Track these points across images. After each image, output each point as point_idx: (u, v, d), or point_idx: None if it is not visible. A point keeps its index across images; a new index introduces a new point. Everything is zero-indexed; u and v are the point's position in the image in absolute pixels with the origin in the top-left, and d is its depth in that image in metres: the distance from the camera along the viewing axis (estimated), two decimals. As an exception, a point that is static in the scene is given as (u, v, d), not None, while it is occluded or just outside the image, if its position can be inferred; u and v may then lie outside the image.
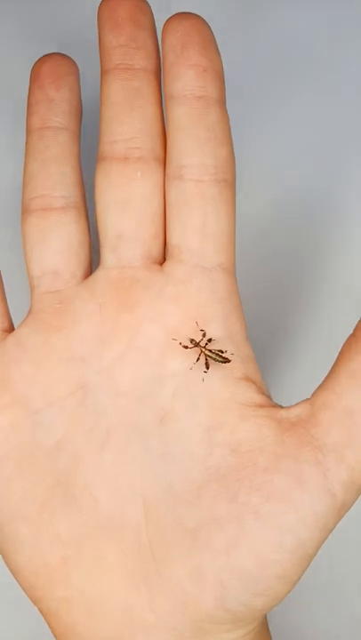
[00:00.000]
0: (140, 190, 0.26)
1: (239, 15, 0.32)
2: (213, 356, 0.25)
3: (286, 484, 0.24)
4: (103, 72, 0.26)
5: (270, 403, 0.26)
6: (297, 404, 0.25)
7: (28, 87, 0.27)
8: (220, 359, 0.25)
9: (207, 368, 0.25)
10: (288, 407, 0.25)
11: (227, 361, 0.25)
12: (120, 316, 0.26)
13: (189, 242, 0.26)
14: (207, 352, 0.25)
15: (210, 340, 0.25)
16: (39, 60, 0.27)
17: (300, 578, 0.24)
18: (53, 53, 0.27)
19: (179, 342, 0.25)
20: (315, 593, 0.32)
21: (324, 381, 0.25)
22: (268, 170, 0.32)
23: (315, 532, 0.24)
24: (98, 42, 0.26)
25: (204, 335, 0.25)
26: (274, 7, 0.32)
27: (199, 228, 0.26)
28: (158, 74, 0.26)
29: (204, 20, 0.25)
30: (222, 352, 0.25)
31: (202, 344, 0.25)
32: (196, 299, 0.26)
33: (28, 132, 0.27)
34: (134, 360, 0.26)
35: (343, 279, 0.32)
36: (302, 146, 0.32)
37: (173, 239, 0.26)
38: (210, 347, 0.25)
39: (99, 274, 0.27)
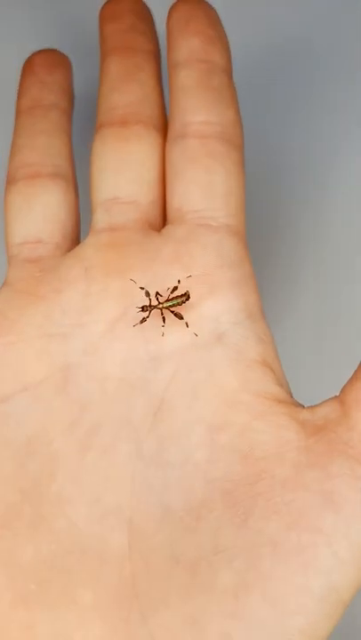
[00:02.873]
0: (138, 153, 0.24)
1: (237, 13, 0.31)
2: (174, 302, 0.22)
3: (314, 505, 0.19)
4: (102, 56, 0.26)
5: (291, 399, 0.21)
6: (322, 402, 0.21)
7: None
8: (181, 300, 0.22)
9: (181, 318, 0.22)
10: (311, 407, 0.21)
11: (187, 297, 0.22)
12: (109, 281, 0.22)
13: (193, 201, 0.23)
14: (167, 304, 0.22)
15: (158, 295, 0.22)
16: (32, 53, 0.27)
17: (329, 634, 0.19)
18: (47, 49, 0.27)
19: (139, 321, 0.22)
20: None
21: (354, 375, 0.20)
22: (269, 169, 0.31)
23: (351, 572, 0.19)
24: (99, 37, 0.26)
25: (148, 295, 0.22)
26: (274, 6, 0.31)
27: (205, 185, 0.23)
28: (159, 57, 0.26)
29: (209, 4, 0.25)
30: (179, 294, 0.22)
31: (154, 303, 0.22)
32: (200, 259, 0.22)
33: (18, 113, 0.26)
34: (125, 335, 0.22)
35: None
36: (301, 145, 0.31)
37: (175, 202, 0.23)
38: (163, 300, 0.22)
39: (87, 239, 0.24)
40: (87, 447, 0.21)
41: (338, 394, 0.20)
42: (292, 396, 0.21)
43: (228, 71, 0.25)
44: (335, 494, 0.19)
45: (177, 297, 0.22)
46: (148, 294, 0.22)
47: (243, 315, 0.22)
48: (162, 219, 0.24)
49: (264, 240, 0.29)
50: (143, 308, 0.22)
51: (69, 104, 0.26)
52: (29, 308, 0.23)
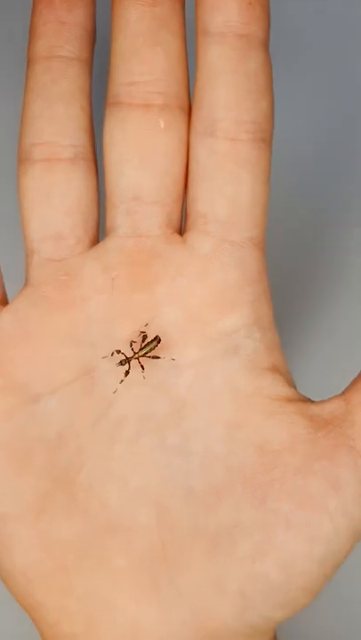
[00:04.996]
0: (164, 145, 0.23)
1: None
2: (147, 348, 0.23)
3: (321, 489, 0.22)
4: None
5: (299, 396, 0.23)
6: (330, 399, 0.23)
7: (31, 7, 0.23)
8: (154, 345, 0.23)
9: (158, 358, 0.23)
10: (320, 402, 0.23)
11: (158, 341, 0.23)
12: (135, 294, 0.23)
13: (218, 212, 0.23)
14: (142, 353, 0.23)
15: (132, 343, 0.23)
16: None
17: (322, 589, 0.23)
18: None
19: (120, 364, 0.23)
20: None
21: (359, 377, 0.23)
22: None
23: (347, 542, 0.22)
24: None
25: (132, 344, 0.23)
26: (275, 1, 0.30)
27: (231, 197, 0.23)
28: (184, 1, 0.23)
29: None
30: (146, 339, 0.23)
31: (130, 355, 0.23)
32: (223, 278, 0.23)
33: (31, 60, 0.23)
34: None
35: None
36: (302, 139, 0.31)
37: (199, 206, 0.23)
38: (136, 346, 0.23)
39: (111, 242, 0.23)
40: (114, 439, 0.23)
41: (342, 392, 0.23)
42: (299, 393, 0.23)
43: (266, 43, 0.22)
44: (339, 480, 0.22)
45: (149, 343, 0.23)
46: (119, 352, 0.23)
47: (256, 328, 0.23)
48: (182, 215, 0.24)
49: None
50: (121, 362, 0.22)
51: (91, 54, 0.23)
52: (56, 314, 0.23)
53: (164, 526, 0.23)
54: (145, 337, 0.23)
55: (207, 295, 0.23)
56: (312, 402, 0.23)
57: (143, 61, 0.22)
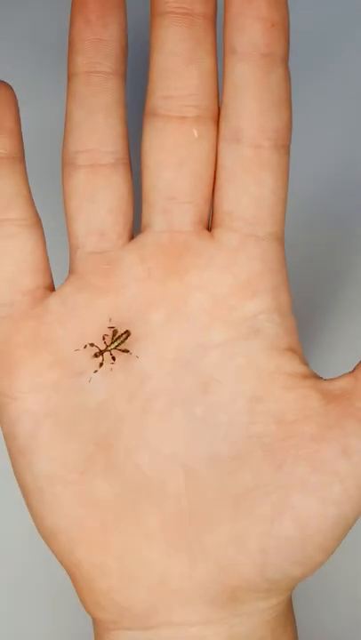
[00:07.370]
0: (198, 152, 0.25)
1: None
2: (118, 341, 0.25)
3: (333, 454, 0.24)
4: (156, 14, 0.25)
5: (313, 374, 0.26)
6: (340, 376, 0.25)
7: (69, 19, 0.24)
8: (124, 338, 0.25)
9: (128, 352, 0.25)
10: (331, 379, 0.26)
11: (128, 334, 0.25)
12: (168, 282, 0.25)
13: (244, 210, 0.25)
14: (112, 348, 0.25)
15: (105, 337, 0.25)
16: None
17: (337, 548, 0.25)
18: None
19: (94, 354, 0.25)
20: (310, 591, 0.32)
21: None
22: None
23: (357, 504, 0.24)
24: None
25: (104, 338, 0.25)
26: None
27: (255, 197, 0.25)
28: (215, 21, 0.25)
29: None
30: (115, 334, 0.25)
31: (103, 348, 0.25)
32: (247, 268, 0.25)
33: (72, 74, 0.25)
34: (180, 327, 0.25)
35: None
36: (313, 143, 0.32)
37: (225, 205, 0.25)
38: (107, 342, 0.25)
39: (147, 237, 0.26)
40: (147, 411, 0.25)
41: (352, 370, 0.25)
42: (312, 371, 0.26)
43: (287, 60, 0.24)
44: (349, 446, 0.24)
45: (120, 336, 0.25)
46: (93, 345, 0.25)
47: (276, 313, 0.25)
48: (209, 212, 0.26)
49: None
50: (96, 355, 0.25)
51: (125, 67, 0.25)
52: (99, 298, 0.25)
53: (192, 489, 0.25)
54: (115, 331, 0.25)
55: (233, 283, 0.25)
56: (324, 379, 0.26)
57: (179, 77, 0.25)
